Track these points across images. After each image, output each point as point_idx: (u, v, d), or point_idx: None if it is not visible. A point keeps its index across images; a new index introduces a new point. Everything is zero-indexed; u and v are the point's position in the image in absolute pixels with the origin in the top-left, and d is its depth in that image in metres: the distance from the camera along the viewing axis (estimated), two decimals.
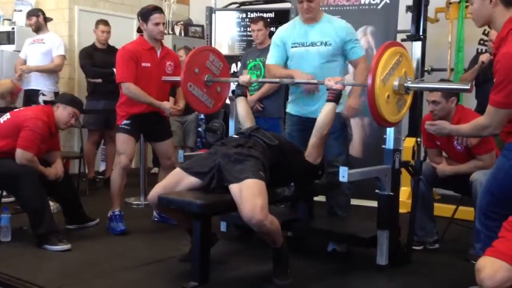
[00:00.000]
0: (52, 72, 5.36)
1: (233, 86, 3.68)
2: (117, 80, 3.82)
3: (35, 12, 5.45)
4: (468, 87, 2.76)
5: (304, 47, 3.40)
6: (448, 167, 3.44)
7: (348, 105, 3.39)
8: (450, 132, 2.79)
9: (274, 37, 3.59)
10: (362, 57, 3.42)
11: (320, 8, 3.48)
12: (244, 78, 3.50)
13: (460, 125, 2.70)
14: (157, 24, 3.83)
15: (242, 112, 3.44)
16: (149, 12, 3.85)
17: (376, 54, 2.72)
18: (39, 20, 5.40)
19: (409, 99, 2.97)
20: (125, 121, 3.84)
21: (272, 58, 3.57)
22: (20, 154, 3.47)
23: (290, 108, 3.60)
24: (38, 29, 5.41)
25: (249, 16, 5.60)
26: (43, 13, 5.46)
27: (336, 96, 3.03)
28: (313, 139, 3.07)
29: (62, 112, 3.68)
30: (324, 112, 3.05)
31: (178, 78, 3.69)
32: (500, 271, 1.78)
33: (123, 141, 3.83)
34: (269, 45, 4.39)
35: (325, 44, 3.36)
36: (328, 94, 3.05)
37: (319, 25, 3.40)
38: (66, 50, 5.49)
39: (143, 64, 3.81)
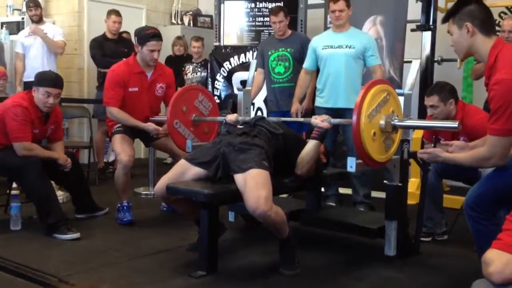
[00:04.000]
0: (55, 49, 5.37)
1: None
2: (103, 103, 3.89)
3: (38, 3, 5.48)
4: (456, 125, 2.67)
5: (332, 48, 4.06)
6: None
7: None
8: (444, 161, 2.64)
9: (309, 44, 4.24)
10: (378, 65, 4.05)
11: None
12: (231, 117, 3.45)
13: (457, 154, 2.60)
14: (152, 51, 3.79)
15: None
16: (147, 37, 3.78)
17: (362, 90, 2.68)
18: (41, 12, 5.46)
19: (397, 138, 2.93)
20: (118, 125, 3.87)
21: (306, 62, 4.24)
22: (17, 147, 3.46)
23: (318, 102, 4.16)
24: (40, 19, 5.45)
25: (257, 6, 5.56)
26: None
27: (320, 135, 2.95)
28: (296, 170, 2.99)
29: (37, 95, 3.55)
30: (306, 150, 2.96)
31: (164, 118, 3.73)
32: (509, 265, 1.75)
33: (119, 141, 3.83)
34: (290, 35, 4.46)
35: (349, 47, 4.01)
36: (313, 132, 3.01)
37: (346, 33, 4.08)
38: (65, 38, 5.59)
39: (130, 89, 3.83)
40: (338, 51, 4.03)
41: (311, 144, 2.96)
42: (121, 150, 3.78)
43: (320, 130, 2.95)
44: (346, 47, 4.02)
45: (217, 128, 3.86)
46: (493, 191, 2.35)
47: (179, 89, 3.79)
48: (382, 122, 2.74)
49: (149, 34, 3.80)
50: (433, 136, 3.51)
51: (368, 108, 2.64)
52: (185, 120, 3.64)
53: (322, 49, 4.10)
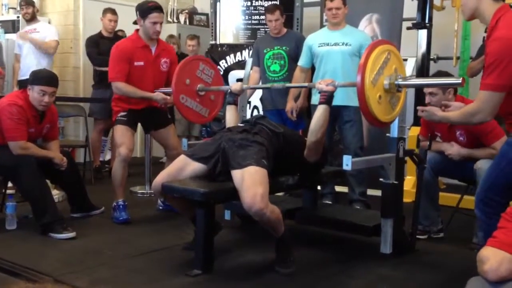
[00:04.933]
0: (45, 50, 5.37)
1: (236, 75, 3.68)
2: (109, 80, 3.85)
3: (32, 2, 5.47)
4: (460, 81, 2.69)
5: (328, 46, 4.06)
6: (463, 150, 3.34)
7: None
8: (440, 119, 2.71)
9: (304, 42, 4.25)
10: None
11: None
12: (236, 86, 3.49)
13: (450, 112, 2.66)
14: (154, 23, 3.78)
15: (230, 121, 3.43)
16: (149, 10, 3.78)
17: (363, 55, 2.67)
18: (34, 10, 5.45)
19: (402, 96, 2.93)
20: (122, 113, 3.84)
21: (301, 60, 4.25)
22: (13, 146, 3.45)
23: (315, 100, 3.97)
24: (32, 18, 5.45)
25: (253, 4, 5.56)
26: (35, 3, 5.57)
27: (327, 98, 2.96)
28: (308, 142, 3.00)
29: (32, 94, 3.53)
30: (316, 116, 2.96)
31: (169, 89, 3.70)
32: (504, 263, 1.77)
33: (120, 133, 3.82)
34: (285, 33, 4.45)
35: (346, 44, 4.02)
36: (320, 97, 3.01)
37: (342, 31, 4.09)
38: (58, 36, 5.57)
39: (136, 63, 3.80)
40: (334, 48, 4.04)
41: (320, 109, 2.96)
42: (122, 142, 3.78)
43: (327, 94, 2.96)
44: (342, 44, 4.03)
45: (222, 94, 3.85)
46: (501, 178, 2.37)
47: (180, 62, 3.76)
48: (386, 82, 2.73)
49: (150, 7, 3.80)
50: (429, 134, 3.52)
51: (370, 74, 2.63)
52: (190, 92, 3.63)
53: (318, 46, 4.11)
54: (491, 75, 2.25)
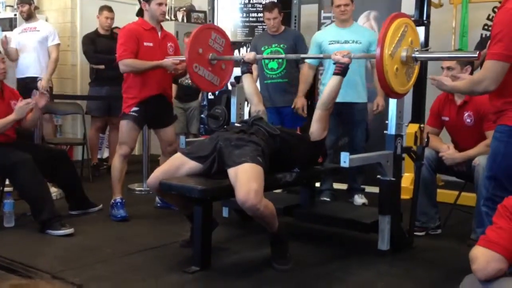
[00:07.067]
0: (53, 60, 5.39)
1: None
2: (117, 59, 3.78)
3: (27, 0, 5.45)
4: (476, 55, 2.76)
5: (339, 44, 4.09)
6: (458, 154, 3.34)
7: (376, 103, 4.08)
8: (449, 89, 2.74)
9: (312, 39, 4.27)
10: None
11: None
12: (249, 55, 3.54)
13: (458, 82, 2.67)
14: (160, 4, 3.79)
15: (249, 89, 3.49)
16: None
17: (382, 28, 2.71)
18: (31, 8, 5.43)
19: (416, 68, 2.97)
20: (134, 109, 3.78)
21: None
22: None
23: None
24: (29, 17, 5.43)
25: (251, 1, 5.55)
26: (33, 1, 5.51)
27: (343, 70, 3.04)
28: (317, 113, 3.07)
29: None
30: (330, 86, 3.05)
31: (182, 58, 3.70)
32: (492, 262, 1.80)
33: (127, 130, 3.79)
34: (283, 31, 4.45)
35: (356, 42, 4.08)
36: (335, 68, 3.09)
37: (351, 28, 4.17)
38: (58, 37, 5.55)
39: (145, 44, 3.78)
40: (345, 46, 4.05)
41: (335, 80, 3.05)
42: (126, 140, 3.80)
43: (342, 65, 3.04)
44: (353, 42, 4.08)
45: (232, 63, 3.91)
46: (501, 174, 2.38)
47: (193, 31, 3.74)
48: (404, 54, 2.78)
49: None
50: (436, 122, 3.51)
51: (389, 47, 2.67)
52: (203, 61, 3.66)
53: (329, 44, 4.13)
54: (497, 45, 2.28)
